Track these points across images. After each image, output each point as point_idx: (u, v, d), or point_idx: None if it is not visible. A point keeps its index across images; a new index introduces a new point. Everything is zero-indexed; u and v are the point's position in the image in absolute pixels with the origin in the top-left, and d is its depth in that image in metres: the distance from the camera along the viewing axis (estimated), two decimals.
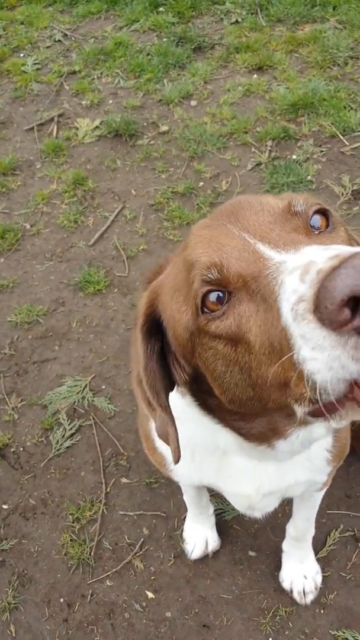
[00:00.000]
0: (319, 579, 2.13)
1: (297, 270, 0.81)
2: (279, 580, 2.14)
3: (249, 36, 4.51)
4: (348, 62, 4.20)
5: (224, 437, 1.29)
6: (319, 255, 0.79)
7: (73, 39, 4.72)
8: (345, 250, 0.78)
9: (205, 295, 0.97)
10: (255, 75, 4.21)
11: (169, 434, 1.18)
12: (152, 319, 1.15)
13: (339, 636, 2.02)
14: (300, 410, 0.89)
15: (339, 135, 3.69)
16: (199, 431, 1.38)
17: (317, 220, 1.00)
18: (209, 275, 0.96)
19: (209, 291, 0.97)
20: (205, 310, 0.97)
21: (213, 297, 0.96)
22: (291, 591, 2.11)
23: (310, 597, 2.10)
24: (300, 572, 2.11)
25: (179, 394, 1.27)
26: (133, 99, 4.12)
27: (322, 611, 2.08)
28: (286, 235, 0.93)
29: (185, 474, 1.57)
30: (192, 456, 1.49)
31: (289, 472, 1.50)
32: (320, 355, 0.76)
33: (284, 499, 1.77)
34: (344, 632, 2.02)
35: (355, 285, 0.71)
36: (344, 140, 3.65)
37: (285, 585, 2.12)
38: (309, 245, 0.87)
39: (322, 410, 0.83)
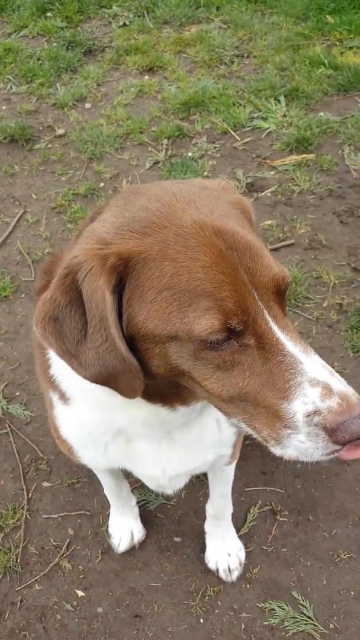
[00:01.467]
0: (242, 555, 2.15)
1: (318, 386, 1.01)
2: (204, 561, 2.14)
3: (138, 38, 4.49)
4: (234, 61, 4.27)
5: (122, 414, 1.29)
6: (334, 383, 1.02)
7: None
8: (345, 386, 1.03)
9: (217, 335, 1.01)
10: (146, 77, 4.19)
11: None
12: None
13: (266, 607, 2.05)
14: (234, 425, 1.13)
15: (230, 131, 3.74)
16: (92, 414, 1.38)
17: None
18: (232, 324, 1.00)
19: (225, 336, 1.01)
20: (208, 343, 1.01)
21: (222, 337, 1.01)
22: (217, 570, 2.12)
23: (235, 574, 2.11)
24: (223, 550, 2.12)
25: None
26: (27, 104, 3.99)
27: (248, 586, 2.10)
28: (284, 319, 1.06)
29: (92, 459, 1.57)
30: (93, 442, 1.48)
31: (195, 454, 1.53)
32: (312, 444, 1.03)
33: (194, 476, 1.84)
34: (270, 604, 2.05)
35: None
36: (235, 136, 3.71)
37: (211, 565, 2.13)
38: (301, 343, 1.04)
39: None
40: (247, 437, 1.86)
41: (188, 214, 1.04)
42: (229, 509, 2.10)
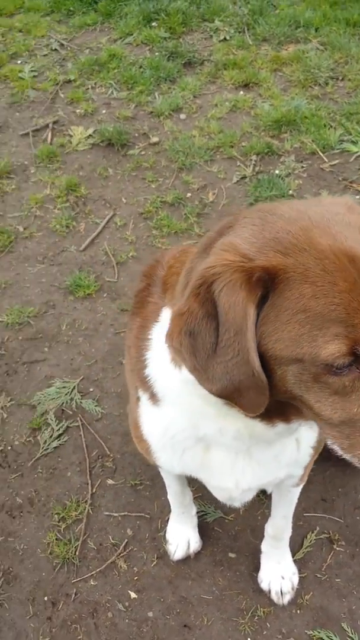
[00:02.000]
0: (295, 579, 2.07)
1: None
2: (257, 581, 2.07)
3: (236, 54, 4.43)
4: (328, 82, 4.14)
5: (213, 423, 1.25)
6: None
7: (69, 48, 4.58)
8: None
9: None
10: (241, 92, 4.13)
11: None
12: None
13: (315, 636, 1.96)
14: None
15: (319, 152, 3.63)
16: (180, 418, 1.35)
17: None
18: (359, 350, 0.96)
19: (350, 361, 0.98)
20: (332, 367, 0.98)
21: (347, 362, 0.98)
22: (269, 591, 2.05)
23: (287, 598, 2.04)
24: (278, 572, 2.04)
25: (176, 367, 1.20)
26: (125, 110, 4.00)
27: (298, 611, 2.02)
28: None
29: (168, 462, 1.53)
30: (172, 445, 1.44)
31: (269, 470, 1.48)
32: None
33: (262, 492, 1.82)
34: (319, 632, 1.96)
35: None
36: (324, 157, 3.59)
37: (264, 585, 2.06)
38: None
39: None
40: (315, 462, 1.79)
41: (325, 240, 0.99)
42: (289, 532, 2.03)
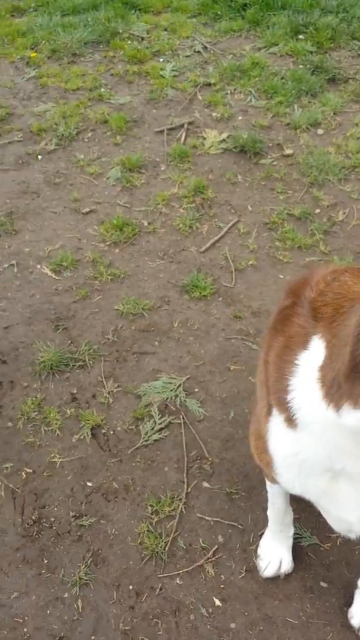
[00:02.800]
0: None
1: None
2: (347, 616, 2.08)
3: None
4: None
5: (354, 459, 1.28)
6: None
7: (212, 52, 4.82)
8: None
9: None
10: None
11: None
12: None
13: None
14: None
15: None
16: (318, 449, 1.38)
17: None
18: None
19: None
20: None
21: None
22: (359, 630, 2.05)
23: None
24: None
25: (329, 407, 1.25)
26: (262, 119, 4.16)
27: None
28: None
29: (289, 482, 1.58)
30: (299, 468, 1.48)
31: None
32: None
33: None
34: None
35: None
36: None
37: (354, 622, 2.07)
38: None
39: None
40: None
41: None
42: None
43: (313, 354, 1.34)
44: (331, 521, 1.68)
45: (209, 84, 4.49)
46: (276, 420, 1.50)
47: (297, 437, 1.43)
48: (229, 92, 4.42)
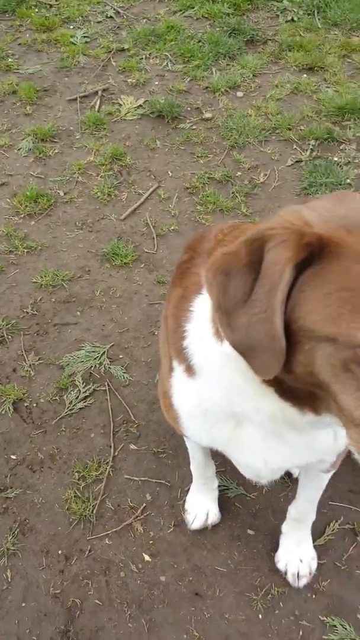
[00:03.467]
0: (314, 564, 2.25)
1: None
2: (274, 560, 2.26)
3: (303, 36, 4.68)
4: None
5: (249, 401, 1.37)
6: None
7: (125, 17, 4.91)
8: None
9: None
10: (305, 75, 4.37)
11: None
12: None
13: (328, 622, 2.14)
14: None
15: None
16: (216, 393, 1.46)
17: None
18: None
19: None
20: None
21: None
22: (285, 572, 2.23)
23: (303, 581, 2.22)
24: (296, 554, 2.23)
25: (217, 340, 1.34)
26: (179, 83, 4.29)
27: (313, 596, 2.20)
28: None
29: (196, 433, 1.67)
30: (203, 418, 1.58)
31: (301, 454, 1.60)
32: None
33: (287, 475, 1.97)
34: (333, 619, 2.14)
35: None
36: None
37: (280, 566, 2.25)
38: None
39: None
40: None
41: None
42: (312, 516, 2.21)
43: (206, 297, 1.41)
44: (241, 469, 1.80)
45: (123, 50, 4.58)
46: (177, 373, 1.59)
47: (197, 385, 1.53)
48: (144, 57, 4.52)
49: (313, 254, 1.06)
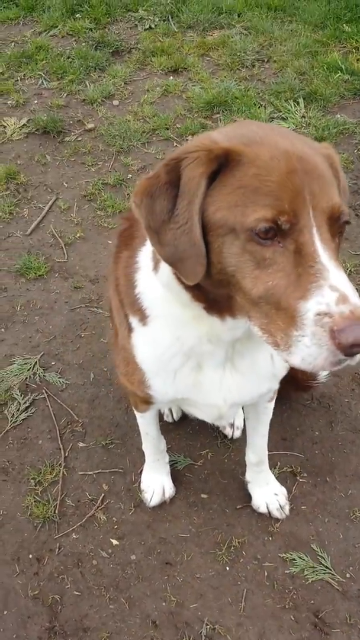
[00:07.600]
0: (285, 491, 2.35)
1: (337, 292, 1.10)
2: (254, 508, 2.31)
3: (163, 41, 4.73)
4: (255, 64, 4.51)
5: (192, 330, 1.48)
6: (352, 296, 1.11)
7: None
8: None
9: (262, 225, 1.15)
10: (171, 77, 4.43)
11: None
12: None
13: (288, 558, 2.22)
14: (255, 329, 1.25)
15: None
16: (166, 331, 1.56)
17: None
18: (281, 220, 1.14)
19: (271, 228, 1.15)
20: (256, 233, 1.16)
21: (268, 227, 1.15)
22: (269, 512, 2.30)
23: (287, 509, 2.31)
24: (270, 492, 2.32)
25: (155, 270, 1.44)
26: (57, 99, 4.22)
27: (270, 538, 2.28)
28: (330, 242, 1.19)
29: (162, 388, 1.71)
30: (165, 368, 1.63)
31: (252, 384, 1.71)
32: (315, 350, 1.12)
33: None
34: (291, 554, 2.23)
35: None
36: None
37: (262, 509, 2.31)
38: (336, 262, 1.17)
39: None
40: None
41: (282, 142, 1.22)
42: (266, 453, 2.29)
43: (148, 245, 1.52)
44: (205, 412, 1.84)
45: None
46: (135, 328, 1.64)
47: (151, 330, 1.59)
48: (19, 78, 4.42)
49: (221, 165, 1.20)
